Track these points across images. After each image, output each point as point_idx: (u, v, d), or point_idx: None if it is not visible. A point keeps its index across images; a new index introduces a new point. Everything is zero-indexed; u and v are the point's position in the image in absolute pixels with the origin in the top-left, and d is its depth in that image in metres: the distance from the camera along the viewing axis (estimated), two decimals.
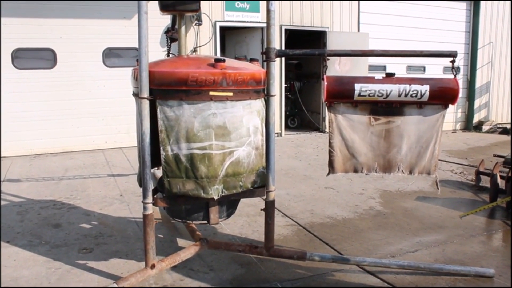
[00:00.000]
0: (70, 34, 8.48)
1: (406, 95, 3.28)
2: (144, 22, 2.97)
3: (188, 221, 3.57)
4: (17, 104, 8.25)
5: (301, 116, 12.17)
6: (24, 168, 7.36)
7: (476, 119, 13.05)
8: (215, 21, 9.63)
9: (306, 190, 6.04)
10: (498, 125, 12.96)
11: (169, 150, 3.08)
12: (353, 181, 6.41)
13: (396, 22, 11.48)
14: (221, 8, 9.68)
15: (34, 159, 8.06)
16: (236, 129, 3.16)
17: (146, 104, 3.03)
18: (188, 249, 3.54)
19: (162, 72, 3.08)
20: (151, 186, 3.16)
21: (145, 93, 3.02)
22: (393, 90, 3.27)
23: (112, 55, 8.93)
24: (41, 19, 8.27)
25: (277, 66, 9.75)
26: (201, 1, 3.78)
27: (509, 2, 12.69)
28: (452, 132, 12.41)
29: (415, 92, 3.27)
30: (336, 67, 10.19)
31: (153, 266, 3.25)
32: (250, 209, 5.03)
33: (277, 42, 9.79)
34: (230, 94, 3.10)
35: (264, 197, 3.45)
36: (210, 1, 9.47)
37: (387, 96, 3.28)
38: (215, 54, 9.61)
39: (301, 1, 10.47)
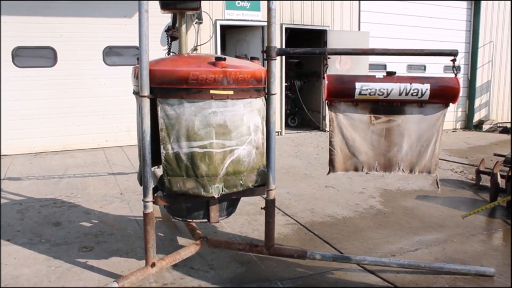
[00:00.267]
0: (70, 32, 8.48)
1: (406, 94, 3.28)
2: (144, 20, 2.97)
3: (189, 220, 3.57)
4: (17, 102, 8.25)
5: (302, 115, 12.17)
6: (25, 166, 7.36)
7: (476, 118, 13.05)
8: (216, 20, 9.62)
9: (306, 189, 6.04)
10: (498, 124, 12.96)
11: (170, 149, 3.08)
12: (353, 180, 6.40)
13: (396, 21, 11.47)
14: (222, 6, 9.67)
15: (35, 158, 8.06)
16: (236, 127, 3.16)
17: (146, 103, 3.03)
18: (189, 248, 3.55)
19: (162, 70, 3.07)
20: (151, 184, 3.15)
21: (146, 91, 3.02)
22: (393, 89, 3.27)
23: (112, 54, 8.93)
24: (41, 18, 8.26)
25: (278, 65, 9.70)
26: (202, 0, 3.78)
27: (510, 1, 12.68)
28: (453, 131, 12.40)
29: (415, 91, 3.27)
30: (337, 66, 10.18)
31: (153, 265, 3.25)
32: (250, 208, 5.03)
33: (278, 40, 9.74)
34: (231, 92, 3.10)
35: (265, 195, 3.45)
36: (210, 0, 9.46)
37: (388, 95, 3.28)
38: (216, 52, 9.60)
39: (302, 0, 10.45)
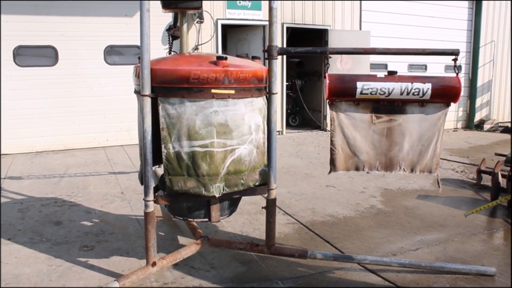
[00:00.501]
0: (71, 31, 8.48)
1: (408, 93, 3.27)
2: (146, 19, 2.96)
3: (189, 219, 3.57)
4: (18, 101, 8.26)
5: (303, 114, 12.17)
6: (26, 165, 7.36)
7: (477, 117, 13.04)
8: (217, 19, 9.62)
9: (307, 188, 6.04)
10: (499, 124, 12.95)
11: (171, 148, 3.08)
12: (354, 180, 6.40)
13: (398, 21, 11.46)
14: (223, 6, 9.67)
15: (36, 157, 8.07)
16: (237, 127, 3.16)
17: (148, 102, 3.03)
18: (189, 247, 3.55)
19: (164, 69, 3.07)
20: (152, 184, 3.15)
21: (147, 90, 3.02)
22: (395, 88, 3.26)
23: (113, 53, 8.93)
24: (42, 17, 8.27)
25: (279, 64, 9.72)
26: None
27: (511, 1, 12.66)
28: (454, 131, 12.39)
29: (417, 90, 3.26)
30: (338, 65, 10.17)
31: (154, 264, 3.25)
32: (251, 207, 5.03)
33: (279, 40, 9.77)
34: (232, 92, 3.10)
35: (266, 195, 3.45)
36: None
37: (389, 94, 3.28)
38: (217, 52, 9.60)
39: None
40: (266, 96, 3.36)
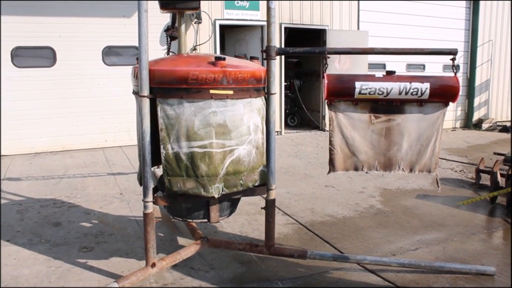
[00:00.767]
0: (69, 32, 8.47)
1: (406, 93, 3.27)
2: (144, 20, 2.96)
3: (189, 220, 3.57)
4: (17, 102, 8.24)
5: (301, 114, 12.16)
6: (24, 166, 7.35)
7: (475, 117, 13.06)
8: (215, 20, 9.61)
9: (306, 189, 6.04)
10: (498, 123, 12.97)
11: (170, 149, 3.07)
12: (353, 180, 6.40)
13: (396, 20, 11.47)
14: (221, 6, 9.67)
15: (34, 158, 8.05)
16: (236, 127, 3.16)
17: (146, 103, 3.03)
18: (189, 248, 3.54)
19: (162, 70, 3.07)
20: (151, 184, 3.15)
21: (145, 91, 3.02)
22: (393, 88, 3.26)
23: (111, 54, 8.92)
24: (40, 18, 8.25)
25: (277, 64, 9.72)
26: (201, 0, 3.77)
27: (509, 0, 12.68)
28: (452, 130, 12.40)
29: (415, 90, 3.26)
30: (336, 65, 10.18)
31: (153, 265, 3.25)
32: (250, 208, 5.03)
33: (277, 40, 9.74)
34: (231, 92, 3.10)
35: (265, 195, 3.45)
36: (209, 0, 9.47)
37: (388, 94, 3.28)
38: (215, 52, 9.60)
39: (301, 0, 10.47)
40: (265, 97, 3.36)
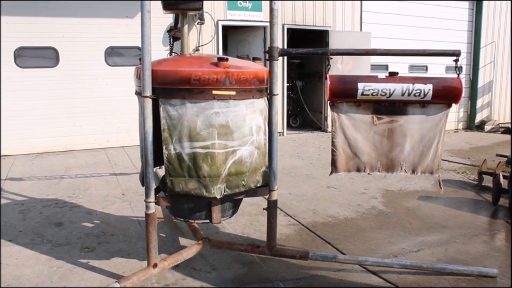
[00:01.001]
0: (72, 33, 8.49)
1: (409, 95, 3.27)
2: (147, 20, 2.96)
3: (191, 220, 3.57)
4: (19, 102, 8.26)
5: (303, 115, 12.16)
6: (26, 166, 7.37)
7: (478, 118, 13.03)
8: (218, 20, 9.62)
9: (308, 190, 6.03)
10: (500, 125, 12.94)
11: (172, 149, 3.07)
12: (355, 181, 6.40)
13: (398, 22, 11.46)
14: (224, 7, 9.67)
15: (36, 158, 8.07)
16: (239, 128, 3.16)
17: (148, 103, 3.03)
18: (190, 248, 3.54)
19: (165, 71, 3.07)
20: (153, 185, 3.15)
21: (148, 92, 3.02)
22: (396, 89, 3.26)
23: (114, 54, 8.94)
24: (43, 18, 8.28)
25: (280, 65, 9.73)
26: (204, 0, 3.78)
27: (511, 1, 12.65)
28: (454, 132, 12.39)
29: (418, 91, 3.26)
30: (338, 67, 10.17)
31: (155, 265, 3.25)
32: (252, 208, 5.02)
33: (280, 41, 9.76)
34: (233, 93, 3.10)
35: (267, 196, 3.45)
36: (212, 0, 9.46)
37: (390, 95, 3.27)
38: (218, 53, 9.61)
39: (304, 0, 10.45)
40: (267, 97, 3.36)
